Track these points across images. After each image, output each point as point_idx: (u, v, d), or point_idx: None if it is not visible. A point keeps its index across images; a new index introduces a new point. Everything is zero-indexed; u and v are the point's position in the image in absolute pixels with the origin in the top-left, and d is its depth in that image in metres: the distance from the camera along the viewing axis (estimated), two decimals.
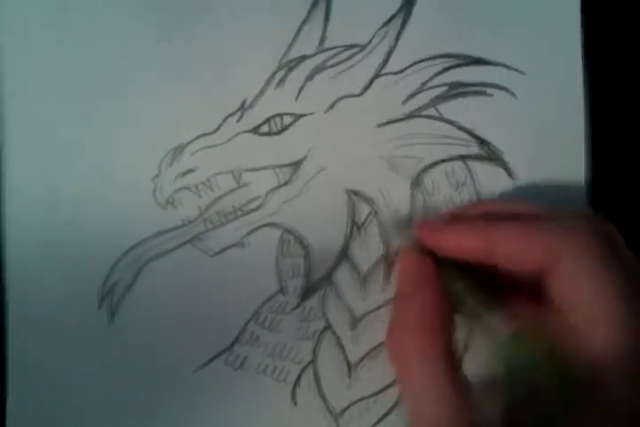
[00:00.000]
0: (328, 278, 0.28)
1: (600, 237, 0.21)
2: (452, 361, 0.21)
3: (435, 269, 0.23)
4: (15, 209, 0.28)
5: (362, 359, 0.28)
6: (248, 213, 0.28)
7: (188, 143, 0.28)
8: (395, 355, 0.23)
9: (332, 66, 0.28)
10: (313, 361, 0.28)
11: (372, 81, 0.28)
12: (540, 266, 0.21)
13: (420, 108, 0.28)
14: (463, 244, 0.23)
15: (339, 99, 0.28)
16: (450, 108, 0.28)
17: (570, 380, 0.20)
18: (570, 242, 0.21)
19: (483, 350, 0.22)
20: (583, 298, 0.20)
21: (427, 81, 0.28)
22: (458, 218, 0.24)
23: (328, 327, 0.28)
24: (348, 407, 0.28)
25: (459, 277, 0.23)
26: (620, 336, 0.20)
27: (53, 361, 0.27)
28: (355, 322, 0.28)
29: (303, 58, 0.28)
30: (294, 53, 0.28)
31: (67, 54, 0.28)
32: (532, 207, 0.24)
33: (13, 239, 0.28)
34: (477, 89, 0.28)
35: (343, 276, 0.28)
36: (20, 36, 0.28)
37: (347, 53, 0.28)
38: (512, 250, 0.22)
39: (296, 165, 0.28)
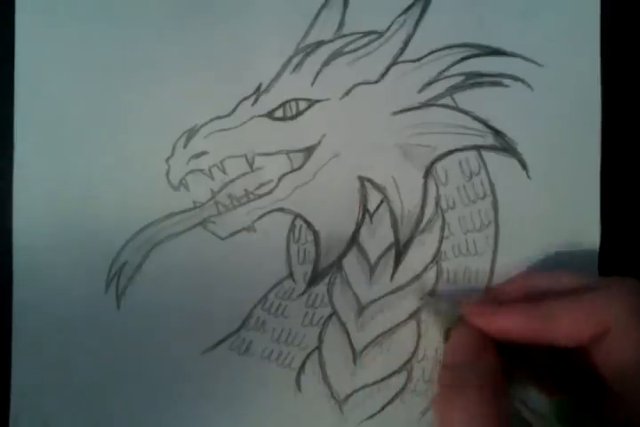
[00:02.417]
0: (336, 265, 0.28)
1: None
2: None
3: (491, 341, 0.24)
4: (27, 189, 0.28)
5: (367, 347, 0.28)
6: (259, 197, 0.28)
7: (202, 126, 0.28)
8: (444, 418, 0.23)
9: (350, 52, 0.28)
10: (318, 347, 0.28)
11: (388, 68, 0.28)
12: (592, 339, 0.22)
13: (436, 97, 0.28)
14: (517, 327, 0.23)
15: (355, 85, 0.28)
16: (466, 98, 0.28)
17: None
18: (619, 309, 0.22)
19: None
20: (631, 367, 0.21)
21: (444, 70, 0.28)
22: (503, 297, 0.25)
23: (334, 314, 0.28)
24: (351, 394, 0.28)
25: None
26: None
27: (60, 343, 0.27)
28: (361, 309, 0.28)
29: (320, 43, 0.28)
30: (312, 38, 0.28)
31: (83, 34, 0.28)
32: (573, 279, 0.24)
33: (24, 219, 0.28)
34: (494, 80, 0.28)
35: (352, 263, 0.28)
36: (35, 16, 0.28)
37: (364, 40, 0.28)
38: (567, 328, 0.22)
39: (309, 150, 0.28)
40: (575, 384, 0.23)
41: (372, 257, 0.28)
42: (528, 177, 0.28)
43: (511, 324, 0.23)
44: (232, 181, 0.28)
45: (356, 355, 0.28)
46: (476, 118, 0.28)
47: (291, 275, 0.28)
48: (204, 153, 0.28)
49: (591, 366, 0.22)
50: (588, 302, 0.22)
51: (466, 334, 0.24)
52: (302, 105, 0.28)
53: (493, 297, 0.25)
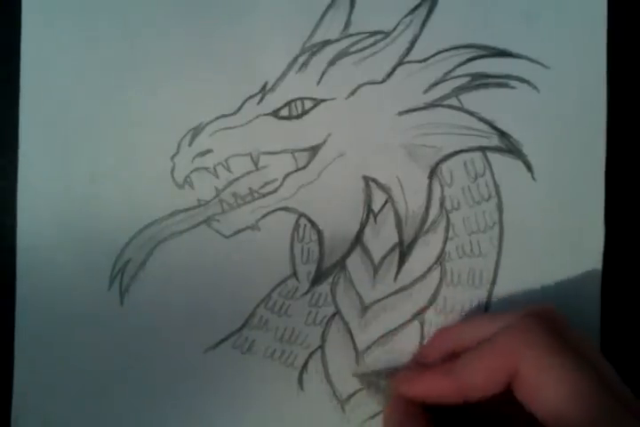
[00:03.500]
0: (340, 265, 0.28)
1: (541, 331, 0.22)
2: None
3: (421, 412, 0.24)
4: (30, 186, 0.28)
5: (369, 347, 0.28)
6: (264, 196, 0.28)
7: (208, 124, 0.28)
8: None
9: (356, 52, 0.28)
10: (321, 347, 0.28)
11: (394, 68, 0.28)
12: (507, 380, 0.22)
13: (442, 98, 0.28)
14: (436, 388, 0.23)
15: (360, 85, 0.28)
16: (471, 99, 0.28)
17: None
18: (517, 348, 0.22)
19: None
20: (544, 397, 0.21)
21: (450, 71, 0.28)
22: (429, 359, 0.25)
23: (337, 313, 0.28)
24: (354, 393, 0.28)
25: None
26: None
27: (62, 340, 0.27)
28: (364, 309, 0.28)
29: (327, 43, 0.28)
30: (318, 38, 0.28)
31: (90, 30, 0.28)
32: (491, 322, 0.24)
33: (27, 216, 0.28)
34: (500, 81, 0.28)
35: (355, 262, 0.28)
36: (42, 15, 0.28)
37: (371, 40, 0.28)
38: (475, 377, 0.22)
39: (314, 149, 0.28)
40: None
41: (376, 257, 0.28)
42: (533, 179, 0.28)
43: (432, 386, 0.23)
44: (237, 179, 0.28)
45: (358, 355, 0.28)
46: (481, 119, 0.28)
47: (294, 274, 0.28)
48: (209, 151, 0.28)
49: (522, 405, 0.22)
50: (490, 348, 0.22)
51: (396, 406, 0.25)
52: (308, 104, 0.28)
53: (420, 363, 0.26)
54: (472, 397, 0.23)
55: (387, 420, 0.25)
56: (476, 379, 0.22)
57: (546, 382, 0.21)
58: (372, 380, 0.27)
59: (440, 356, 0.25)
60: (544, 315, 0.23)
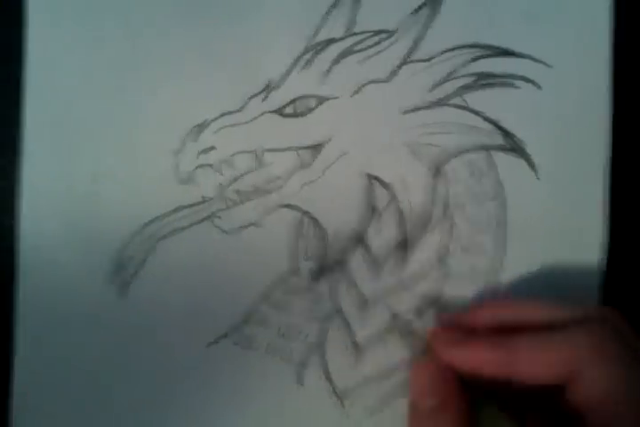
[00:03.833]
0: (341, 262, 0.28)
1: (614, 338, 0.22)
2: None
3: (460, 386, 0.23)
4: (33, 183, 0.28)
5: (369, 342, 0.28)
6: (267, 193, 0.28)
7: (212, 120, 0.28)
8: None
9: (360, 50, 0.28)
10: (321, 343, 0.28)
11: (399, 67, 0.28)
12: (561, 377, 0.22)
13: (447, 97, 0.28)
14: (481, 361, 0.22)
15: (365, 84, 0.28)
16: (476, 99, 0.28)
17: None
18: (587, 351, 0.21)
19: None
20: (608, 400, 0.21)
21: (454, 70, 0.28)
22: (472, 327, 0.24)
23: (337, 310, 0.28)
24: (353, 389, 0.28)
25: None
26: None
27: (63, 339, 0.28)
28: (364, 306, 0.28)
29: (331, 41, 0.28)
30: (322, 36, 0.28)
31: (94, 33, 0.28)
32: (544, 311, 0.23)
33: (30, 213, 0.28)
34: (504, 80, 0.28)
35: (357, 260, 0.28)
36: (45, 7, 0.28)
37: (375, 39, 0.28)
38: (532, 366, 0.22)
39: (318, 147, 0.28)
40: (552, 421, 0.23)
41: (378, 255, 0.28)
42: (537, 178, 0.28)
43: (475, 358, 0.22)
44: (240, 176, 0.28)
45: (358, 350, 0.28)
46: (486, 119, 0.28)
47: (296, 270, 0.28)
48: (213, 148, 0.28)
49: (569, 403, 0.22)
50: (557, 341, 0.22)
51: (429, 370, 0.23)
52: (312, 102, 0.28)
53: (464, 326, 0.24)
54: (516, 380, 0.22)
55: (415, 379, 0.24)
56: (530, 365, 0.22)
57: (609, 392, 0.21)
58: (405, 319, 0.26)
59: (488, 326, 0.24)
60: (614, 319, 0.22)
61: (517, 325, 0.23)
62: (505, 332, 0.23)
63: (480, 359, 0.22)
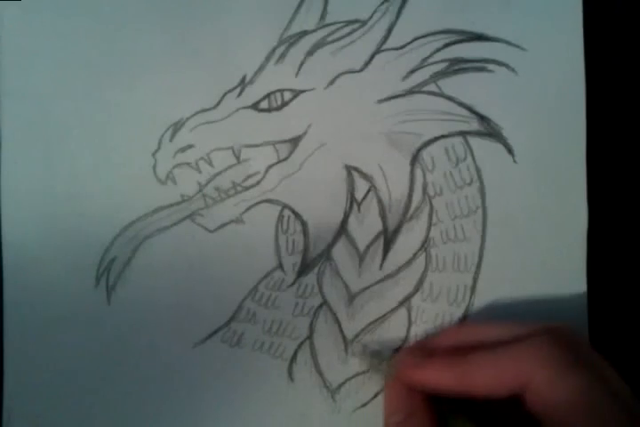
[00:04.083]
0: (325, 255, 0.28)
1: (563, 350, 0.22)
2: None
3: (426, 401, 0.25)
4: (12, 185, 0.28)
5: (358, 335, 0.28)
6: (247, 189, 0.28)
7: (188, 119, 0.28)
8: None
9: (333, 41, 0.28)
10: (309, 337, 0.28)
11: (372, 57, 0.28)
12: (513, 389, 0.22)
13: (421, 84, 0.28)
14: (439, 379, 0.24)
15: (339, 74, 0.28)
16: (450, 85, 0.28)
17: None
18: (533, 363, 0.22)
19: None
20: (560, 409, 0.21)
21: (427, 57, 0.28)
22: (433, 350, 0.25)
23: (324, 303, 0.28)
24: (344, 383, 0.28)
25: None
26: None
27: (50, 339, 0.27)
28: (351, 298, 0.28)
29: (304, 33, 0.28)
30: (295, 29, 0.28)
31: (68, 30, 0.28)
32: (496, 330, 0.24)
33: (10, 215, 0.28)
34: (478, 65, 0.28)
35: (340, 252, 0.28)
36: (19, 8, 0.28)
37: (347, 29, 0.28)
38: (485, 380, 0.23)
39: (295, 140, 0.28)
40: None
41: (361, 246, 0.28)
42: (514, 161, 0.28)
43: (435, 377, 0.24)
44: (219, 173, 0.28)
45: (347, 344, 0.28)
46: (460, 104, 0.28)
47: (280, 266, 0.28)
48: (190, 146, 0.28)
49: (530, 412, 0.23)
50: (505, 356, 0.23)
51: (396, 390, 0.25)
52: (287, 96, 0.28)
53: (425, 350, 0.26)
54: (474, 395, 0.23)
55: (385, 398, 0.26)
56: (483, 381, 0.23)
57: (558, 401, 0.21)
58: (373, 361, 0.27)
59: (446, 348, 0.25)
60: (562, 332, 0.23)
61: (473, 345, 0.24)
62: (461, 352, 0.24)
63: (437, 378, 0.24)
